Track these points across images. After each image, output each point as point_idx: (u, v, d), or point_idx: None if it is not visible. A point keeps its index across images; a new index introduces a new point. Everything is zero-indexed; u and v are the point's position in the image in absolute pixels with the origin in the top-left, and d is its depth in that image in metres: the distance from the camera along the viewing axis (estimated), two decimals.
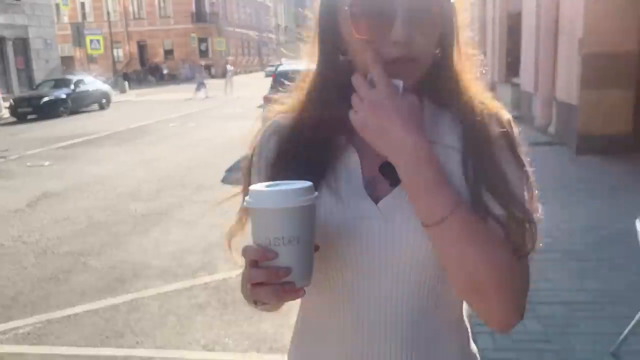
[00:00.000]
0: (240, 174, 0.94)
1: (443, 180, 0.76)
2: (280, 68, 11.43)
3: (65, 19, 40.80)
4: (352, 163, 0.85)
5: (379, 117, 0.75)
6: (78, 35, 26.29)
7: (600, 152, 7.56)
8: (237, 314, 3.63)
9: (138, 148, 11.42)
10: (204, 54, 48.42)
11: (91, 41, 26.84)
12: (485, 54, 16.96)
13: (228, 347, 3.29)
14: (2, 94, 19.90)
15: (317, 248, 0.78)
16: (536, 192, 0.84)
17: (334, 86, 0.83)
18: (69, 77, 21.48)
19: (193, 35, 47.73)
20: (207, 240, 5.11)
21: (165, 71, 45.88)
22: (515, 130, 0.86)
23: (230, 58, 40.30)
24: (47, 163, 9.96)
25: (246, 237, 0.82)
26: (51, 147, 11.81)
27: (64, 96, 19.09)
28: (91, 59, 33.24)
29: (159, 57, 48.57)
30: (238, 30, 55.27)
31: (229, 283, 4.12)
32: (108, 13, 37.09)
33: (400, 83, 0.76)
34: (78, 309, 3.88)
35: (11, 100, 18.82)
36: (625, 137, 7.70)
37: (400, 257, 0.81)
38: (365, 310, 0.84)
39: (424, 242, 0.78)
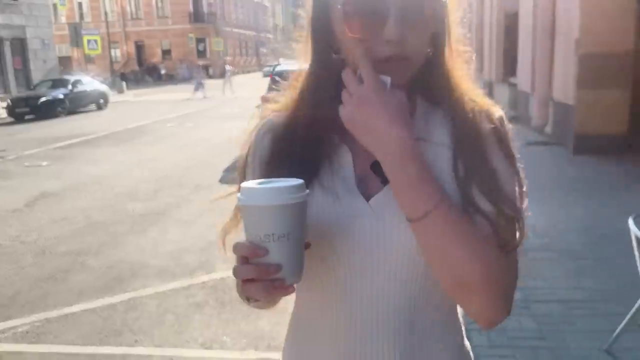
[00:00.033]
0: (236, 173, 0.95)
1: (427, 175, 0.76)
2: (278, 68, 11.45)
3: (63, 19, 40.78)
4: (344, 161, 0.86)
5: (365, 112, 0.76)
6: (75, 35, 26.27)
7: (596, 152, 7.60)
8: (235, 313, 3.65)
9: (136, 148, 11.42)
10: (201, 54, 48.43)
11: (89, 41, 26.81)
12: (477, 52, 17.02)
13: (226, 345, 3.31)
14: None
15: (307, 245, 0.78)
16: (525, 188, 0.84)
17: (327, 85, 0.83)
18: (66, 77, 21.44)
19: (191, 35, 47.72)
20: (204, 240, 5.13)
21: (163, 71, 45.87)
22: (507, 126, 0.86)
23: (228, 58, 40.34)
24: (44, 163, 9.96)
25: (240, 235, 0.83)
26: (49, 147, 11.81)
27: (61, 96, 19.07)
28: (89, 59, 33.22)
29: (156, 57, 48.55)
30: (236, 30, 55.27)
31: (227, 282, 4.14)
32: (105, 13, 37.06)
33: (388, 79, 0.77)
34: (76, 308, 3.90)
35: (8, 101, 18.79)
36: (621, 137, 7.74)
37: (391, 254, 0.82)
38: (358, 308, 0.85)
39: (414, 239, 0.79)
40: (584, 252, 4.34)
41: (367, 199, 0.83)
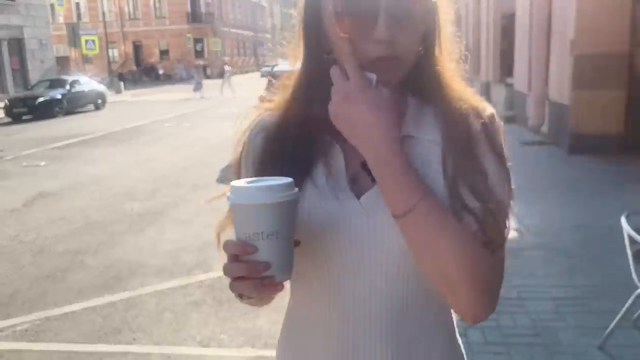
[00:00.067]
0: (233, 172, 0.96)
1: (411, 171, 0.77)
2: (276, 68, 11.46)
3: (61, 19, 40.72)
4: (336, 160, 0.86)
5: (350, 109, 0.76)
6: (73, 35, 26.25)
7: (592, 151, 7.65)
8: (233, 311, 3.68)
9: (133, 148, 11.44)
10: (199, 54, 48.40)
11: (86, 41, 26.80)
12: (474, 52, 17.06)
13: (223, 343, 3.35)
14: None
15: (297, 243, 0.79)
16: (512, 185, 0.84)
17: (318, 84, 0.83)
18: (64, 77, 21.41)
19: (189, 35, 47.68)
20: (202, 239, 5.16)
21: (160, 71, 45.81)
22: (497, 124, 0.86)
23: (226, 58, 40.29)
24: (42, 163, 9.98)
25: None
26: (47, 148, 11.82)
27: (59, 96, 19.05)
28: (86, 60, 33.17)
29: (154, 58, 48.50)
30: (233, 30, 55.24)
31: (224, 281, 4.10)
32: (103, 13, 37.08)
33: (373, 76, 0.77)
34: (75, 306, 3.93)
35: (6, 101, 18.74)
36: (616, 136, 7.79)
37: (382, 252, 0.83)
38: (350, 306, 0.86)
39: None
40: (577, 250, 4.39)
41: (359, 197, 0.84)
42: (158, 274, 4.47)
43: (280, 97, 0.92)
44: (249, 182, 0.76)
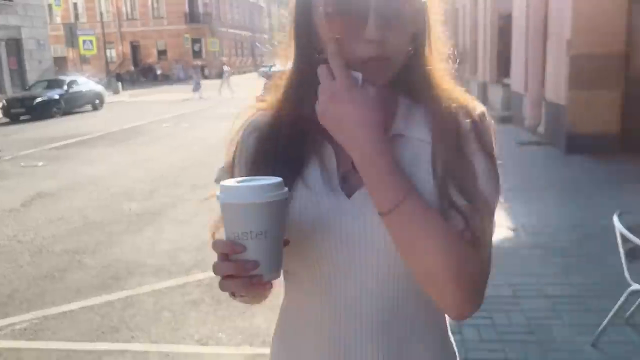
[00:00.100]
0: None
1: (396, 170, 0.78)
2: (274, 68, 11.47)
3: (58, 20, 40.64)
4: (328, 159, 0.87)
5: (336, 108, 0.77)
6: (71, 35, 26.20)
7: (588, 151, 7.69)
8: (231, 310, 3.71)
9: (131, 148, 11.46)
10: (197, 54, 48.37)
11: (84, 42, 26.74)
12: (471, 53, 17.12)
13: (221, 342, 3.37)
14: None
15: (286, 243, 0.79)
16: (501, 184, 0.85)
17: (310, 84, 0.82)
18: (62, 77, 21.44)
19: (186, 35, 47.66)
20: (200, 239, 5.18)
21: (158, 72, 45.78)
22: (487, 122, 0.86)
23: (225, 59, 40.28)
24: (40, 163, 9.99)
25: None
26: (44, 148, 11.83)
27: (57, 97, 19.06)
28: (84, 60, 33.21)
29: (152, 58, 48.46)
30: (231, 30, 55.24)
31: None
32: (101, 13, 37.01)
33: (359, 76, 0.78)
34: (74, 305, 3.95)
35: (4, 101, 18.75)
36: (612, 136, 7.83)
37: (373, 252, 0.83)
38: (342, 304, 0.86)
39: None
40: (572, 249, 4.43)
41: (350, 195, 0.84)
42: (156, 274, 4.50)
43: (272, 97, 0.92)
44: (238, 182, 0.76)
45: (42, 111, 18.20)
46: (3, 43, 23.26)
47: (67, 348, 3.37)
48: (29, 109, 18.13)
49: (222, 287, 0.77)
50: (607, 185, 6.42)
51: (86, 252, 5.10)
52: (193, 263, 4.67)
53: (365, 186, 0.81)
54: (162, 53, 48.75)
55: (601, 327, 2.95)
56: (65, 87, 19.78)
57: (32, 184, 8.23)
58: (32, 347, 3.42)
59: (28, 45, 24.74)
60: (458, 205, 0.80)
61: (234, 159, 0.94)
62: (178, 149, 11.18)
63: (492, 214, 0.83)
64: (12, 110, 18.22)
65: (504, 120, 11.74)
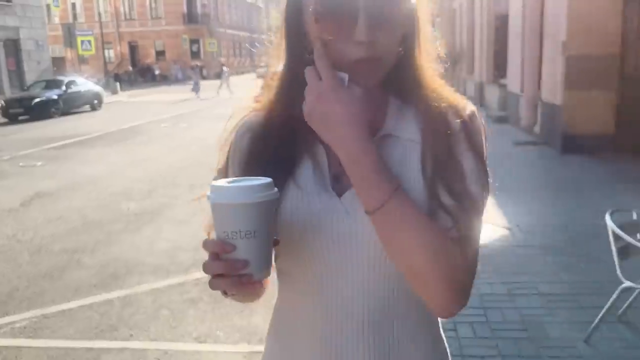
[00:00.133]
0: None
1: (382, 169, 0.78)
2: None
3: (56, 20, 40.62)
4: (319, 159, 0.87)
5: (323, 108, 0.78)
6: (69, 36, 26.20)
7: (583, 151, 7.75)
8: (229, 309, 3.74)
9: (130, 148, 11.48)
10: (195, 55, 48.37)
11: (82, 42, 26.76)
12: (468, 53, 17.16)
13: (219, 340, 3.41)
14: None
15: (277, 242, 0.80)
16: (490, 183, 0.86)
17: (301, 84, 0.82)
18: (60, 78, 21.44)
19: (185, 36, 47.66)
20: (198, 238, 5.08)
21: (156, 72, 45.77)
22: (478, 122, 0.87)
23: (223, 59, 40.29)
24: (39, 163, 10.01)
25: None
26: (43, 148, 11.84)
27: (55, 97, 19.07)
28: (82, 60, 33.17)
29: (150, 58, 48.46)
30: (229, 31, 55.27)
31: None
32: (99, 14, 36.97)
33: (345, 76, 0.79)
34: (73, 304, 3.98)
35: (2, 102, 18.76)
36: (607, 136, 7.89)
37: (364, 251, 0.83)
38: (334, 304, 0.87)
39: None
40: (565, 247, 4.48)
41: (340, 195, 0.85)
42: (155, 273, 4.53)
43: (265, 98, 0.93)
44: (229, 182, 0.77)
45: (40, 111, 18.21)
46: (1, 44, 23.27)
47: (66, 346, 3.40)
48: (27, 109, 18.14)
49: (212, 285, 0.79)
50: (602, 185, 6.46)
51: (85, 251, 5.13)
52: (191, 262, 4.70)
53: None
54: (160, 53, 48.74)
55: (594, 324, 2.99)
56: (63, 88, 19.79)
57: (31, 183, 8.26)
58: (31, 345, 3.45)
59: (26, 45, 24.74)
60: (446, 205, 0.81)
61: (228, 159, 0.94)
62: (176, 149, 11.21)
63: (479, 213, 0.83)
64: (11, 111, 18.23)
65: (500, 120, 11.80)
